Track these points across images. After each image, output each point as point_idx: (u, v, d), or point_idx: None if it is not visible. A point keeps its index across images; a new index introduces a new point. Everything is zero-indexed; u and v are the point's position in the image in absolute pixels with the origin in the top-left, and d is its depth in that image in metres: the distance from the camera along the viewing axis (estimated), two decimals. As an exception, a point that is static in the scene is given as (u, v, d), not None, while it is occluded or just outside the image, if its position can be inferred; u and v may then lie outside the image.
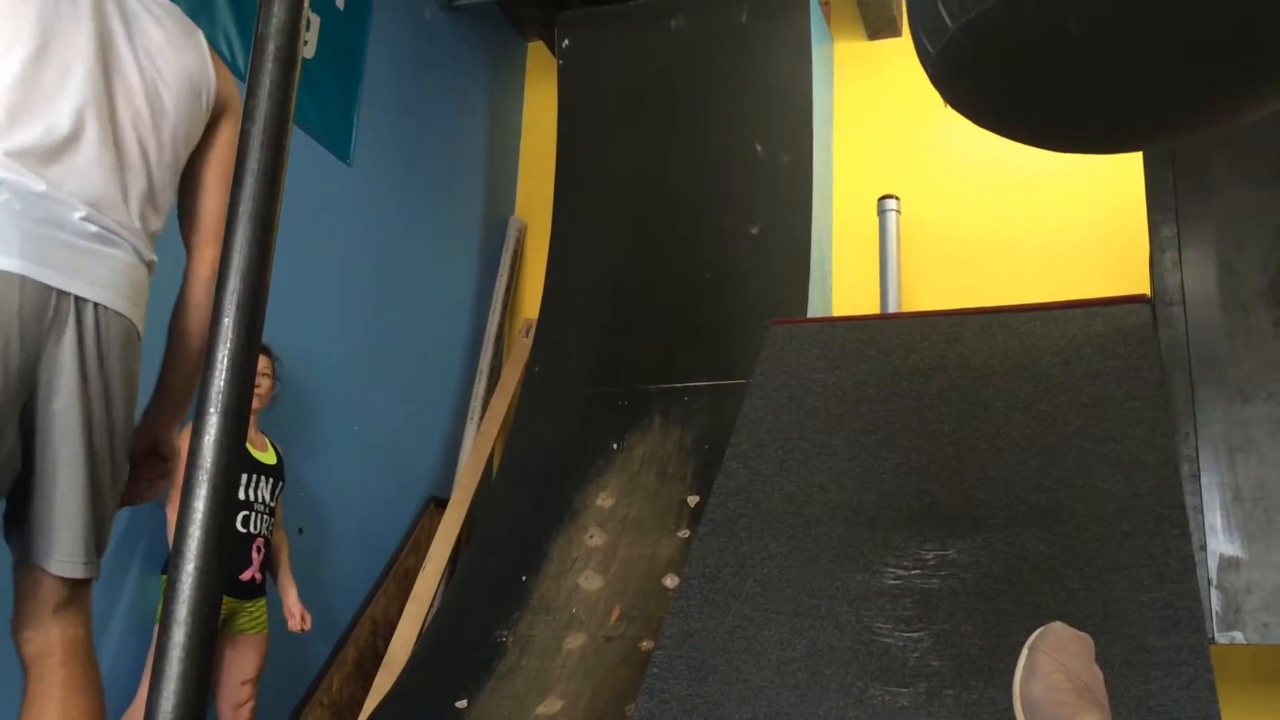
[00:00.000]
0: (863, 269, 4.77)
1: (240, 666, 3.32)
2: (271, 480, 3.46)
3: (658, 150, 4.83)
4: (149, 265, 1.89)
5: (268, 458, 3.50)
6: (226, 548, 1.13)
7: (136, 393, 1.87)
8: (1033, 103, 1.90)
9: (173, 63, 1.89)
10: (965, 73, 1.87)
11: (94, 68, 1.75)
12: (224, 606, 3.13)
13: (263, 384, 3.48)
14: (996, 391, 3.04)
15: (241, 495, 3.32)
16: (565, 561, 3.87)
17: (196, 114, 1.93)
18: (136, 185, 1.82)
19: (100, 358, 1.74)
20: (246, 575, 3.32)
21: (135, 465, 1.98)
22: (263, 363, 3.47)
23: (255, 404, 3.47)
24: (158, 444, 2.02)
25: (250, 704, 3.34)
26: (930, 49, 1.85)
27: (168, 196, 1.92)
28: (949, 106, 2.05)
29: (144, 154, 1.84)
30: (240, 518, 3.32)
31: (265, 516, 3.41)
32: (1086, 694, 1.42)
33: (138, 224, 1.83)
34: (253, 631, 3.36)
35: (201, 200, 2.00)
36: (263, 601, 3.40)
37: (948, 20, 1.76)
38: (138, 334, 1.86)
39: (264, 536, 3.40)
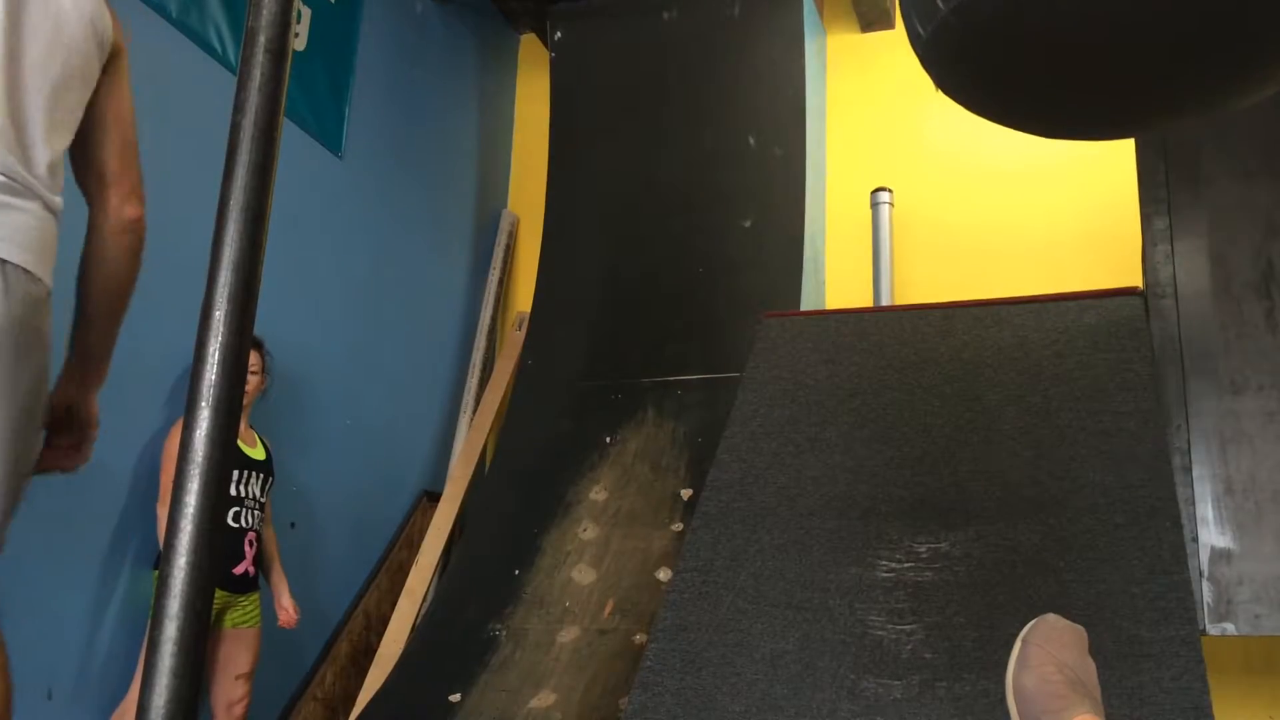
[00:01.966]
0: (855, 262, 4.77)
1: (233, 662, 3.32)
2: (261, 476, 3.46)
3: (650, 144, 4.83)
4: (56, 214, 1.73)
5: (257, 453, 3.49)
6: (219, 542, 1.12)
7: (46, 357, 1.74)
8: (1022, 87, 1.89)
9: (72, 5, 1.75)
10: (956, 56, 1.86)
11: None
12: (217, 601, 3.13)
13: (250, 380, 3.48)
14: (989, 384, 3.05)
15: (232, 490, 3.32)
16: (558, 555, 3.87)
17: (93, 55, 1.79)
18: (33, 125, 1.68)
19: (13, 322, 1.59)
20: (240, 569, 3.32)
21: (51, 432, 1.85)
22: (251, 359, 3.48)
23: (244, 400, 3.45)
24: (75, 409, 1.90)
25: (245, 700, 3.34)
26: (922, 32, 1.85)
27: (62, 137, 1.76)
28: (939, 91, 2.05)
29: (42, 89, 1.69)
30: (231, 513, 3.32)
31: (255, 511, 3.41)
32: (1079, 686, 1.42)
33: (43, 170, 1.68)
34: (245, 626, 3.36)
35: (99, 144, 1.82)
36: (255, 596, 3.40)
37: (939, 3, 1.76)
38: (47, 292, 1.70)
39: (255, 531, 3.40)
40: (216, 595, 3.15)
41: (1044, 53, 1.75)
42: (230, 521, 3.31)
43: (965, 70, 1.91)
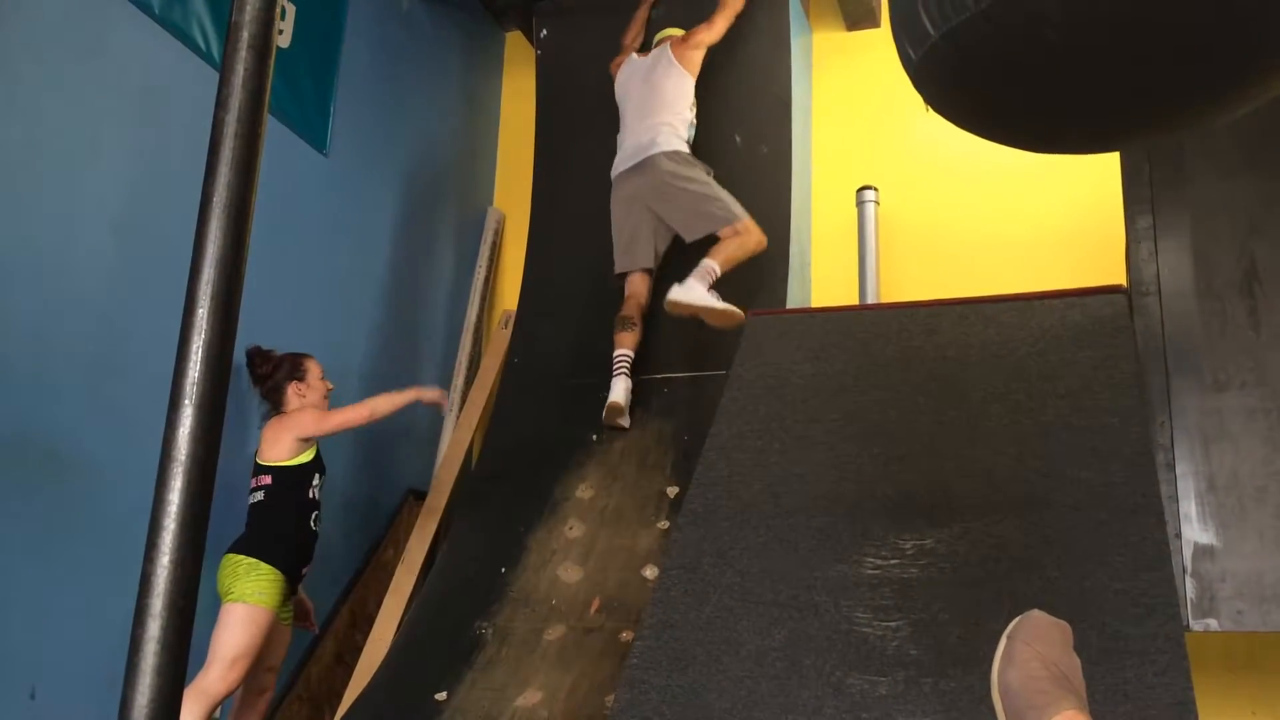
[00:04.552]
0: (841, 260, 4.78)
1: (273, 654, 3.42)
2: (324, 479, 3.61)
3: (636, 141, 4.81)
4: None
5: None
6: (203, 540, 1.12)
7: None
8: (1013, 109, 1.92)
9: None
10: (947, 79, 1.88)
11: None
12: (282, 592, 3.32)
13: (322, 387, 3.67)
14: (974, 382, 3.06)
15: (315, 495, 3.50)
16: (544, 553, 3.86)
17: None
18: None
19: None
20: (306, 570, 3.47)
21: None
22: (319, 367, 3.69)
23: (325, 408, 3.69)
24: None
25: (271, 692, 3.47)
26: (913, 55, 1.87)
27: None
28: (930, 110, 2.07)
29: None
30: (313, 517, 3.47)
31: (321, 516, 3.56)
32: (1064, 682, 1.42)
33: None
34: (286, 624, 3.46)
35: None
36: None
37: (929, 28, 1.78)
38: None
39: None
40: (283, 590, 3.32)
41: (1032, 77, 1.77)
42: (313, 525, 3.47)
43: (957, 93, 1.94)
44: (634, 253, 4.35)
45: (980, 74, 1.82)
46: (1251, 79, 1.72)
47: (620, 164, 4.41)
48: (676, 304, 3.86)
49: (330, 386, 3.71)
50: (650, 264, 4.36)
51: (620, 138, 4.50)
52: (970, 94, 1.91)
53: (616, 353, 4.21)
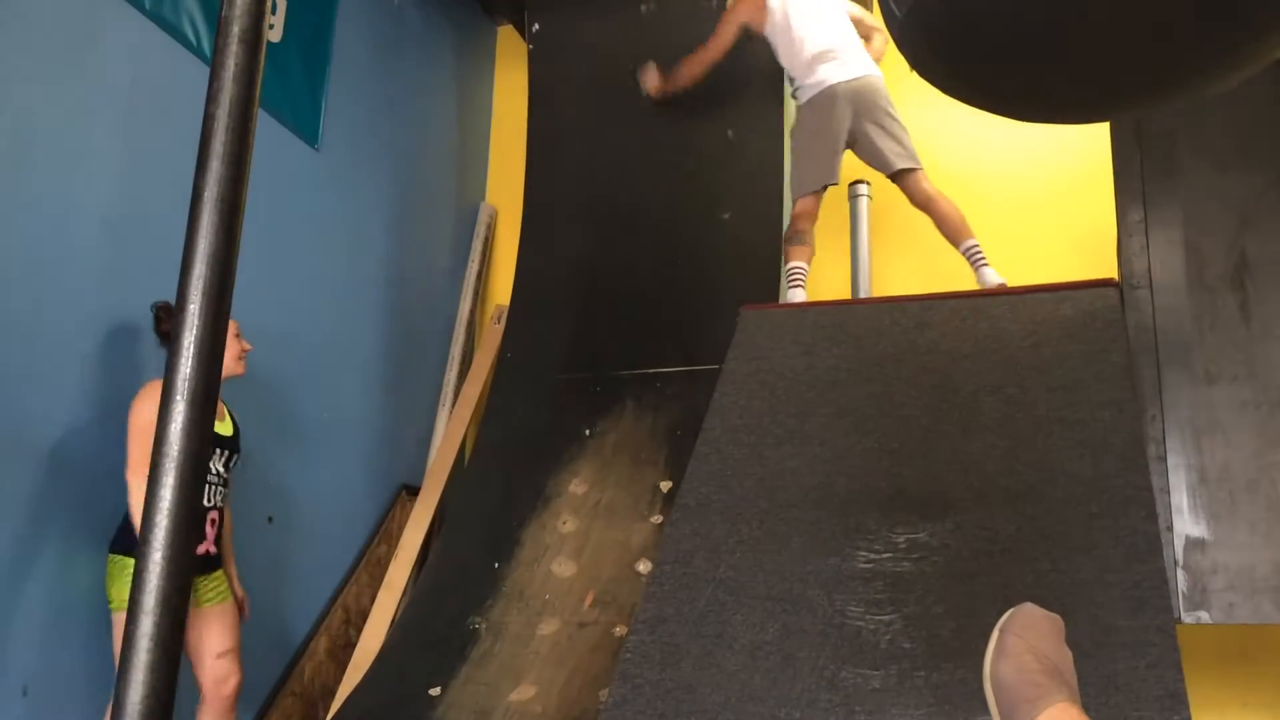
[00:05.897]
0: (834, 254, 4.77)
1: (211, 640, 3.19)
2: (227, 453, 3.32)
3: (628, 136, 4.82)
4: None
5: (224, 428, 3.34)
6: (195, 536, 1.12)
7: None
8: (997, 68, 1.89)
9: None
10: (931, 36, 1.86)
11: None
12: None
13: (235, 346, 3.34)
14: (966, 375, 3.06)
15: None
16: (538, 548, 3.87)
17: None
18: None
19: None
20: (202, 549, 3.20)
21: None
22: (235, 325, 3.32)
23: (239, 370, 3.37)
24: None
25: (233, 678, 3.22)
26: (897, 12, 1.85)
27: None
28: (914, 72, 2.05)
29: None
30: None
31: (220, 489, 3.27)
32: (1056, 674, 1.43)
33: None
34: (216, 603, 3.24)
35: None
36: (220, 572, 3.30)
37: None
38: None
39: (219, 509, 3.27)
40: None
41: (1020, 34, 1.75)
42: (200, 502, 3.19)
43: (941, 50, 1.91)
44: (835, 166, 4.17)
45: (965, 30, 1.79)
46: (1243, 45, 1.70)
47: (837, 73, 4.16)
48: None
49: (247, 347, 3.39)
50: (837, 180, 4.22)
51: (815, 51, 4.20)
52: (954, 52, 1.88)
53: (792, 265, 4.09)
